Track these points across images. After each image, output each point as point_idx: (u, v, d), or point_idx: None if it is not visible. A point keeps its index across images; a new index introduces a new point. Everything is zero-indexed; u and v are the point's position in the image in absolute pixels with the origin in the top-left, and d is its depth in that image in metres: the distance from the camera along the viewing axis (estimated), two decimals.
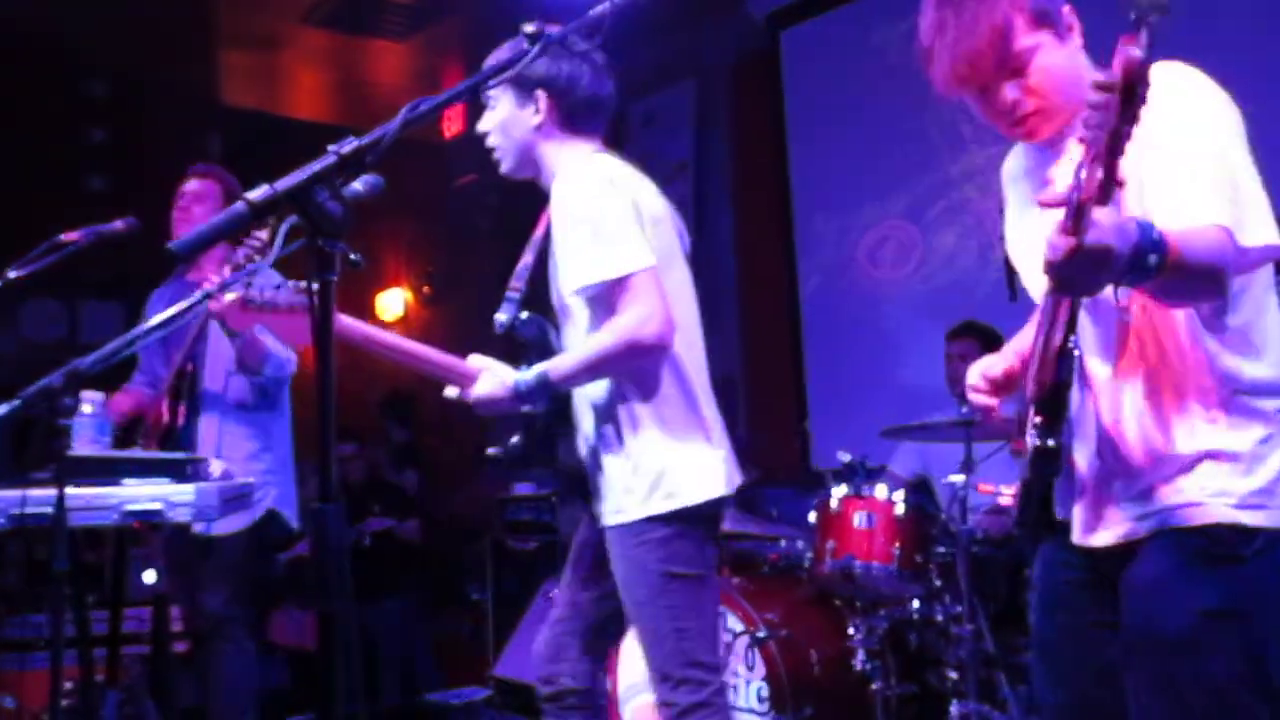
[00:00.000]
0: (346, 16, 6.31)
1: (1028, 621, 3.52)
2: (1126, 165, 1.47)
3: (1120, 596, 1.77)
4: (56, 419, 2.19)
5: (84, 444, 2.63)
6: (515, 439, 2.51)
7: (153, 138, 7.14)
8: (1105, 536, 1.80)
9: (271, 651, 5.28)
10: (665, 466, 2.39)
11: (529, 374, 2.36)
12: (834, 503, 3.65)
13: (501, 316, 2.57)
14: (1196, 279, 1.55)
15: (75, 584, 2.92)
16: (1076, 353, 1.70)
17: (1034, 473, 1.78)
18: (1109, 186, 1.36)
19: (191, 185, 3.81)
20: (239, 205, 1.35)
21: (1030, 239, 1.88)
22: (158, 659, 3.83)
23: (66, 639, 2.46)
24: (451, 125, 7.89)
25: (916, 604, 3.68)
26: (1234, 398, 1.70)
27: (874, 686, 3.52)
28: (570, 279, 2.43)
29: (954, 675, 3.56)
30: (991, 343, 3.74)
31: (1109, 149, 1.35)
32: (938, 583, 3.61)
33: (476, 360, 2.46)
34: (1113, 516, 1.78)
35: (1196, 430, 1.70)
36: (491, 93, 2.49)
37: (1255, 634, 1.66)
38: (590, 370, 2.40)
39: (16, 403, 2.09)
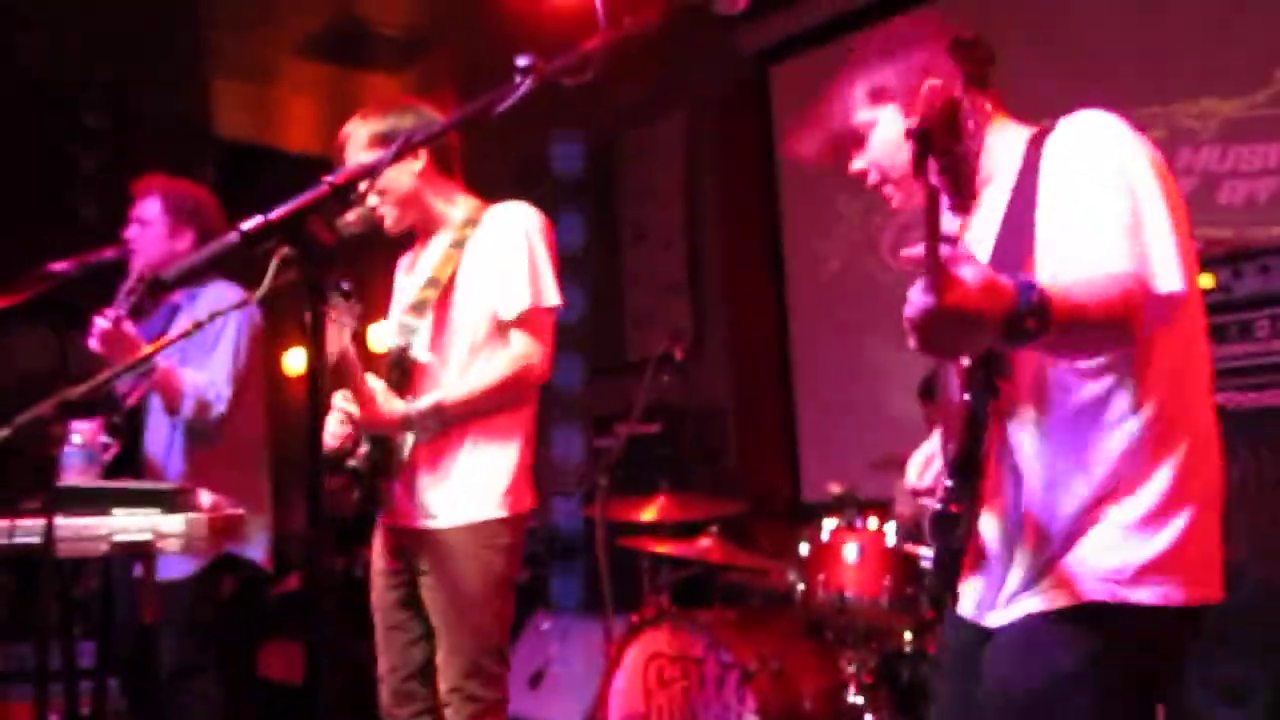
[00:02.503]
0: (340, 49, 6.35)
1: None
2: (1040, 223, 1.56)
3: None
4: (46, 449, 2.18)
5: (73, 474, 2.62)
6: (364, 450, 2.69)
7: (145, 168, 7.15)
8: (998, 618, 1.75)
9: (260, 686, 5.23)
10: (508, 473, 2.68)
11: (423, 403, 2.57)
12: (825, 535, 3.65)
13: (399, 341, 2.70)
14: (1093, 333, 1.49)
15: (62, 615, 2.89)
16: (979, 414, 1.66)
17: (935, 540, 1.76)
18: (933, 239, 1.29)
19: (137, 208, 3.50)
20: (231, 235, 1.35)
21: None
22: (143, 691, 3.79)
23: (52, 670, 2.44)
24: None
25: (909, 636, 3.67)
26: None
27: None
28: (512, 302, 2.64)
29: None
30: None
31: (925, 202, 1.32)
32: (929, 614, 3.60)
33: (371, 381, 2.57)
34: (1013, 599, 1.73)
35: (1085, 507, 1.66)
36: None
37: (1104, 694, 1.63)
38: (486, 399, 2.61)
39: (6, 432, 2.08)
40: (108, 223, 6.80)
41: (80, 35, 6.02)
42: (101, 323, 3.00)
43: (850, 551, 3.57)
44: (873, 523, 3.63)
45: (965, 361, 1.65)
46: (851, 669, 3.55)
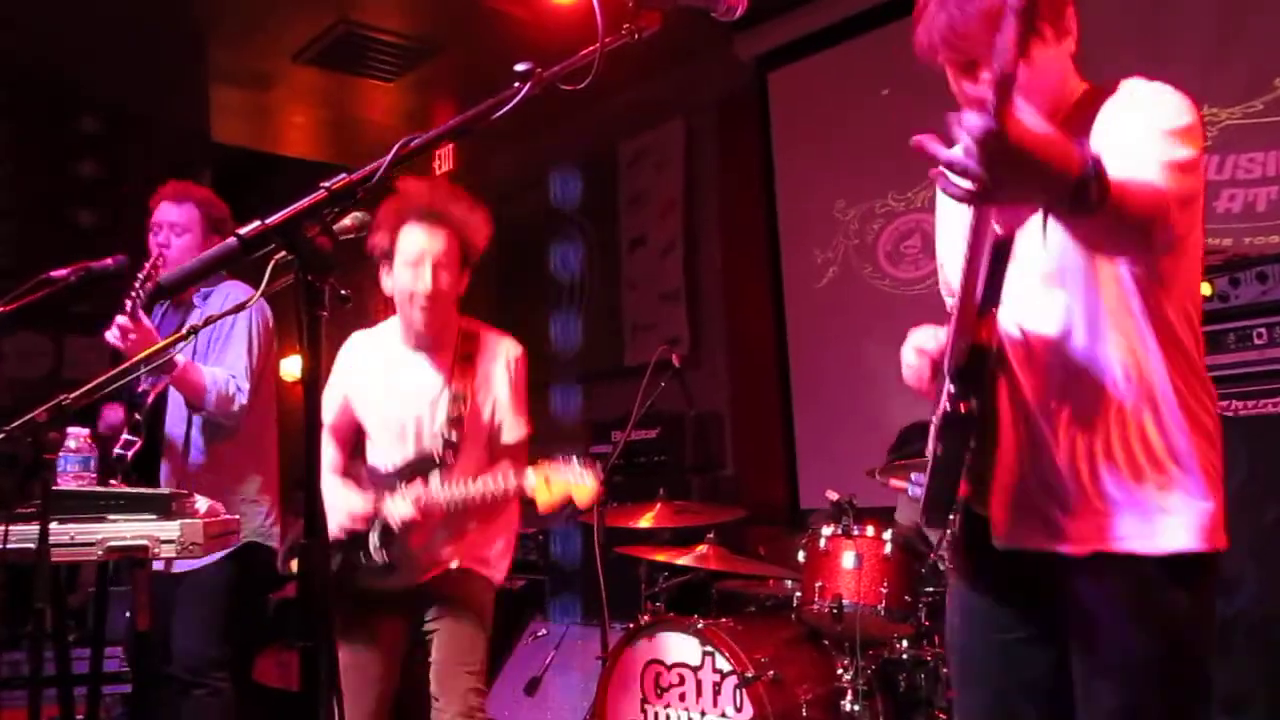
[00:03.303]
0: (337, 55, 6.36)
1: None
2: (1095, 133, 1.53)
3: (1065, 612, 1.74)
4: (41, 454, 2.17)
5: (68, 479, 2.62)
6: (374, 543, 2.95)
7: (143, 173, 7.15)
8: (1034, 540, 1.74)
9: (255, 693, 5.22)
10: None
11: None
12: (822, 542, 3.64)
13: (435, 448, 3.01)
14: (1129, 227, 1.47)
15: (56, 621, 2.88)
16: (997, 315, 1.65)
17: (945, 444, 1.71)
18: (1009, 72, 1.22)
19: (169, 214, 3.54)
20: (230, 240, 1.35)
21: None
22: (139, 699, 3.78)
23: (46, 677, 2.43)
24: (442, 164, 7.94)
25: (905, 644, 3.66)
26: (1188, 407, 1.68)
27: None
28: (513, 431, 3.08)
29: (942, 716, 3.54)
30: None
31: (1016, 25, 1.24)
32: (926, 622, 3.59)
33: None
34: (1053, 524, 1.72)
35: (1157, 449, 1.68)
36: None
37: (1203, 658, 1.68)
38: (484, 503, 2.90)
39: (1, 437, 2.07)
40: (105, 228, 6.85)
41: (78, 42, 6.02)
42: (120, 318, 3.12)
43: (848, 559, 3.57)
44: (870, 530, 3.62)
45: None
46: (848, 676, 3.54)
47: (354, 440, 3.15)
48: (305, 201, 1.41)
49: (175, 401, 3.41)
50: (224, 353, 3.42)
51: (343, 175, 1.45)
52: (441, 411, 3.01)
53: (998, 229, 1.62)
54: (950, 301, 1.87)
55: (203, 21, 6.02)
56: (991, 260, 1.62)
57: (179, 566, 3.25)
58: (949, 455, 1.73)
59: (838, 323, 5.70)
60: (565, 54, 1.70)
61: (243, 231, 1.36)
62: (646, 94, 6.58)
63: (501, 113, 1.62)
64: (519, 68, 1.65)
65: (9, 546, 2.25)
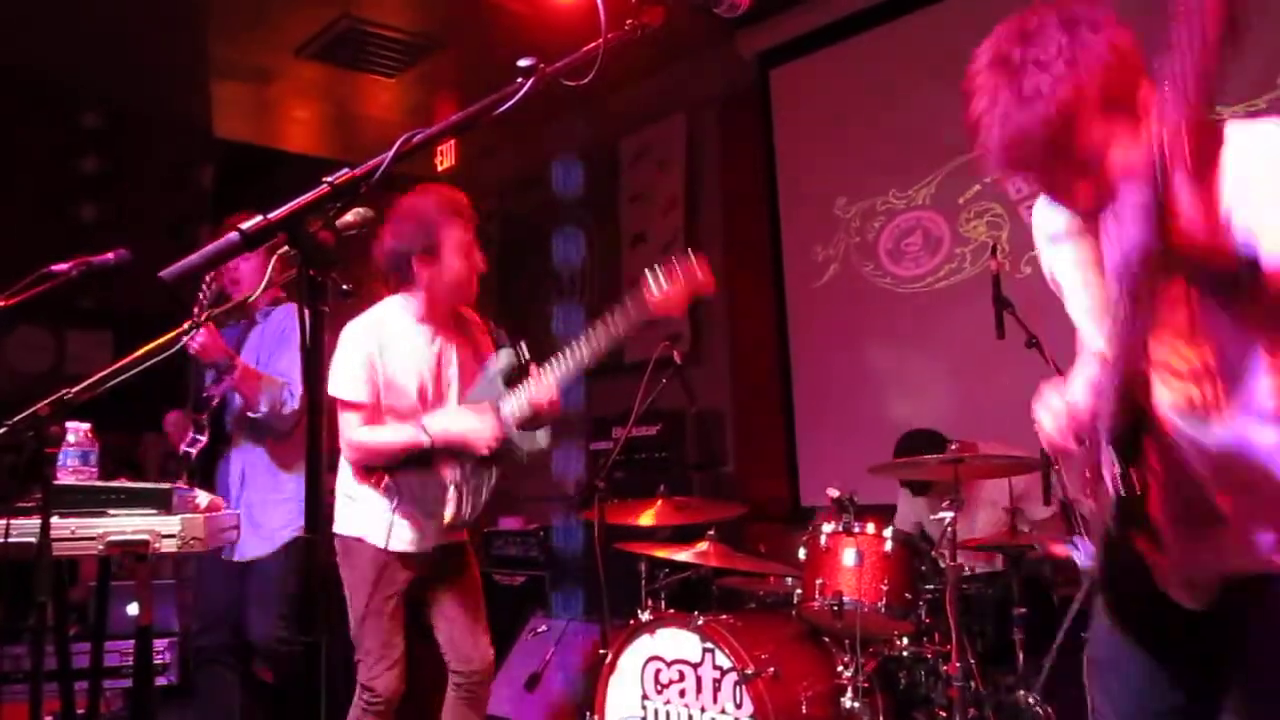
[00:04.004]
0: (339, 51, 6.35)
1: (1015, 659, 3.54)
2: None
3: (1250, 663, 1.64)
4: (43, 448, 2.18)
5: (68, 473, 2.62)
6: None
7: (145, 169, 7.16)
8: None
9: (256, 685, 5.23)
10: None
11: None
12: (823, 539, 3.64)
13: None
14: None
15: (57, 616, 2.88)
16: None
17: (1118, 525, 1.61)
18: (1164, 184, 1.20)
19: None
20: (231, 235, 1.35)
21: (1096, 297, 1.74)
22: (139, 693, 3.78)
23: (47, 671, 2.43)
24: (444, 160, 7.93)
25: (905, 641, 3.66)
26: None
27: None
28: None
29: (943, 714, 3.54)
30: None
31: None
32: (926, 620, 3.59)
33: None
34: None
35: None
36: None
37: None
38: None
39: (2, 430, 2.07)
40: (107, 223, 6.85)
41: (79, 37, 6.02)
42: (200, 332, 3.47)
43: (848, 556, 3.56)
44: (870, 527, 3.62)
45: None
46: (848, 673, 3.54)
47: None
48: (308, 196, 1.41)
49: (232, 406, 3.79)
50: (279, 361, 3.76)
51: (345, 170, 1.45)
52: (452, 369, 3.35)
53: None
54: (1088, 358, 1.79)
55: (204, 16, 6.02)
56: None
57: (242, 555, 3.69)
58: (1122, 534, 1.64)
59: (838, 320, 5.70)
60: (568, 50, 1.69)
61: (245, 226, 1.35)
62: (648, 90, 6.57)
63: (504, 109, 1.62)
64: (522, 63, 1.65)
65: (11, 541, 2.25)
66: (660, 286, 3.21)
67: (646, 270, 3.21)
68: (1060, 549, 3.57)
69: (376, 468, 3.22)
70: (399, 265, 3.24)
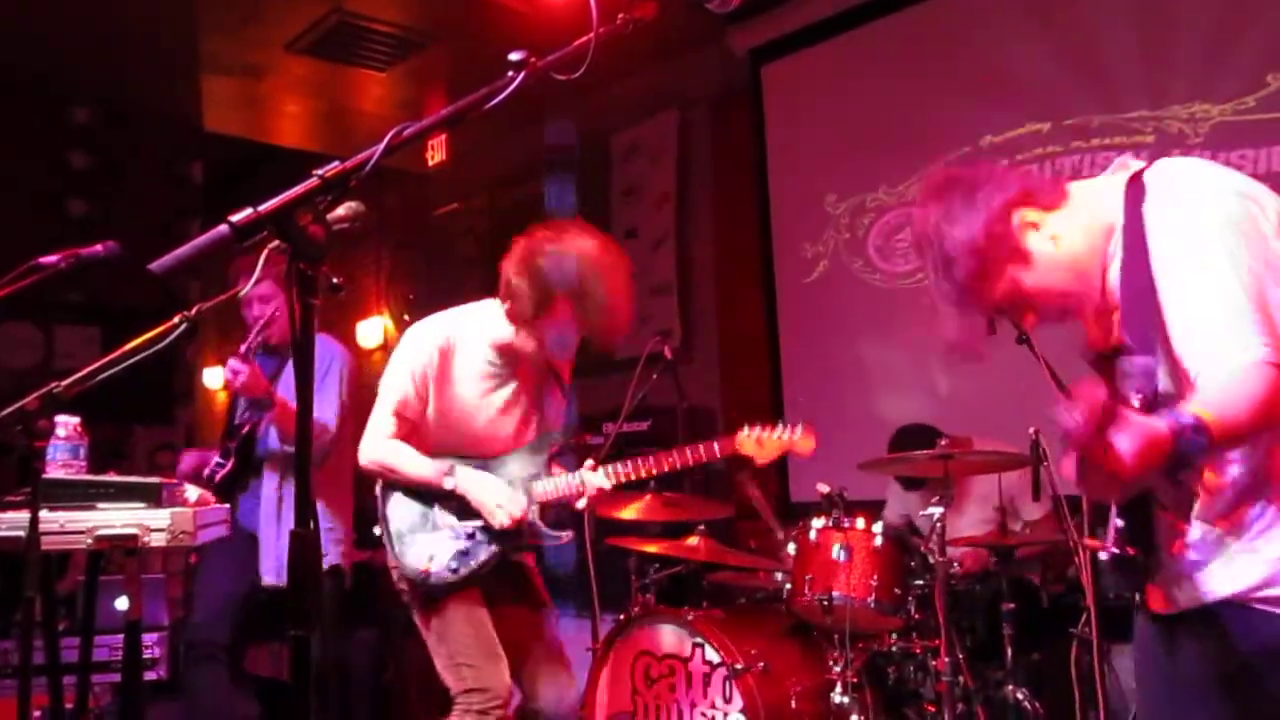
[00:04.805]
0: (331, 45, 6.34)
1: (1004, 654, 3.55)
2: (1161, 288, 1.61)
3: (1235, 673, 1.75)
4: (32, 442, 2.17)
5: (57, 467, 2.61)
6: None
7: (135, 163, 7.14)
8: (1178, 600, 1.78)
9: (246, 683, 5.23)
10: None
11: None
12: (813, 535, 3.65)
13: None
14: (1249, 436, 1.55)
15: (46, 610, 2.88)
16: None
17: (1115, 580, 1.79)
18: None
19: (256, 291, 3.78)
20: (221, 227, 1.34)
21: None
22: (128, 687, 3.78)
23: (36, 666, 2.43)
24: (434, 155, 7.92)
25: (895, 636, 3.67)
26: None
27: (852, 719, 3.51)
28: None
29: (931, 709, 3.55)
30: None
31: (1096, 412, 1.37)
32: (916, 615, 3.60)
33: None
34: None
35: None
36: None
37: None
38: None
39: None
40: (97, 219, 6.83)
41: (70, 33, 5.99)
42: (233, 360, 3.59)
43: (838, 551, 3.57)
44: (860, 523, 3.63)
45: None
46: (838, 668, 3.55)
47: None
48: (298, 189, 1.41)
49: (265, 439, 3.83)
50: (318, 395, 3.68)
51: (335, 164, 1.45)
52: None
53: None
54: None
55: (195, 11, 6.00)
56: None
57: (270, 579, 3.76)
58: (1122, 586, 1.83)
59: (828, 316, 5.71)
60: (559, 44, 1.69)
61: (235, 219, 1.35)
62: (640, 86, 6.57)
63: (495, 102, 1.62)
64: (512, 57, 1.65)
65: (0, 534, 2.25)
66: (755, 432, 3.03)
67: (748, 426, 3.06)
68: (1093, 542, 3.58)
69: (385, 480, 3.11)
70: (515, 292, 2.95)
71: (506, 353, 3.08)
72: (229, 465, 3.83)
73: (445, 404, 3.07)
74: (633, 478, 3.04)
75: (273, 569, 3.76)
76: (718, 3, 1.80)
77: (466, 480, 3.00)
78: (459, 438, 3.09)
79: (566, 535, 3.11)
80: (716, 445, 3.00)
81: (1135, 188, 1.73)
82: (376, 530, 3.18)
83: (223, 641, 3.86)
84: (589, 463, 3.06)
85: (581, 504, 3.03)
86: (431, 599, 3.02)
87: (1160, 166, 1.73)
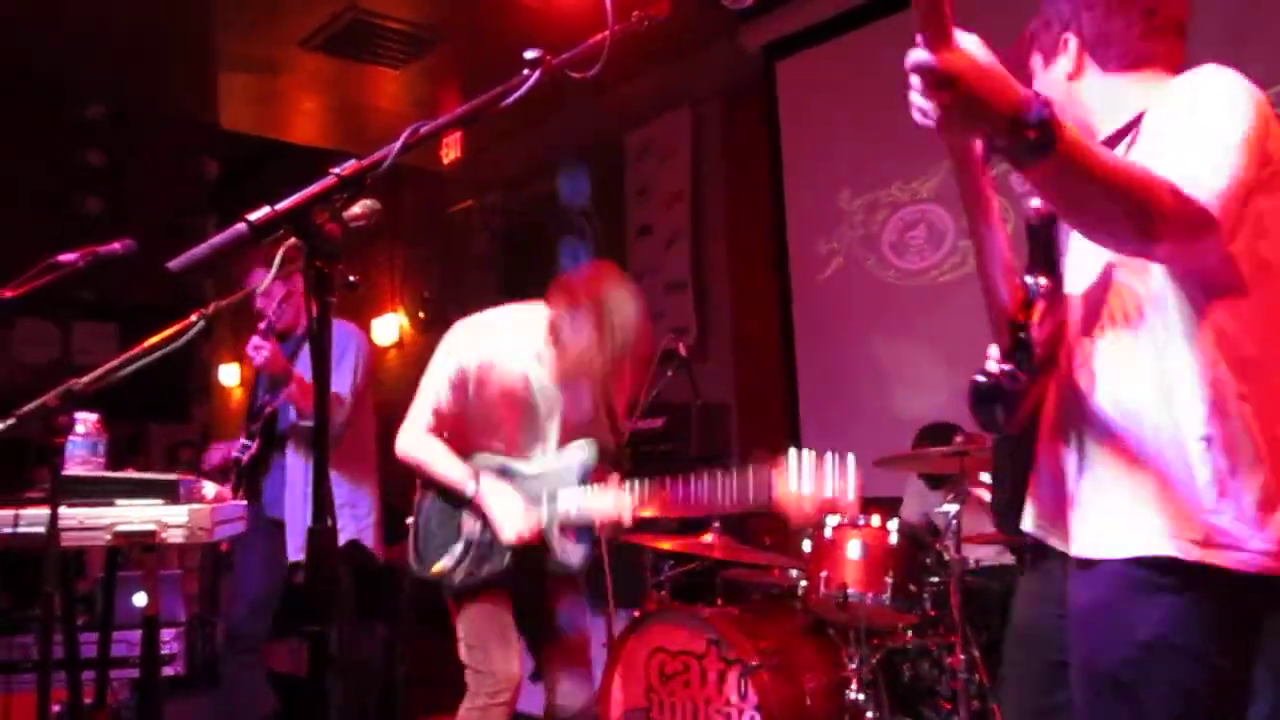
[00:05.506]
0: (346, 42, 6.35)
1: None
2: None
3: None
4: (51, 439, 2.18)
5: (77, 464, 2.63)
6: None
7: (150, 160, 7.17)
8: (1075, 547, 1.67)
9: (267, 678, 5.26)
10: None
11: None
12: (828, 531, 3.65)
13: None
14: (1101, 195, 1.40)
15: (65, 606, 2.90)
16: (1036, 293, 1.61)
17: (974, 410, 1.65)
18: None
19: (267, 294, 3.83)
20: (239, 226, 1.35)
21: None
22: (146, 683, 3.80)
23: (54, 661, 2.44)
24: (449, 152, 7.93)
25: (910, 633, 3.67)
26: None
27: (868, 717, 3.50)
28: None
29: (947, 706, 3.55)
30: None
31: None
32: (931, 612, 3.60)
33: None
34: (1089, 531, 1.65)
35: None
36: None
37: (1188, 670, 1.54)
38: None
39: (11, 421, 2.08)
40: (112, 215, 6.86)
41: (84, 31, 6.02)
42: (259, 341, 3.68)
43: (853, 548, 3.57)
44: (876, 520, 3.62)
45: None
46: (853, 666, 3.55)
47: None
48: (315, 188, 1.41)
49: (285, 416, 3.92)
50: (333, 374, 3.66)
51: (352, 162, 1.46)
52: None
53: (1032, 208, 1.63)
54: None
55: (210, 9, 6.02)
56: (1035, 242, 1.62)
57: (296, 555, 3.76)
58: (984, 422, 1.68)
59: (843, 313, 5.70)
60: (574, 42, 1.70)
61: (252, 217, 1.36)
62: (653, 83, 6.56)
63: (509, 100, 1.62)
64: (528, 55, 1.65)
65: (19, 531, 2.26)
66: (796, 483, 2.82)
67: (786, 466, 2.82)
68: (978, 487, 3.58)
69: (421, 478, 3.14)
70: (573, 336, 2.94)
71: (547, 361, 3.05)
72: (254, 447, 3.94)
73: (484, 405, 3.06)
74: (655, 514, 2.98)
75: (299, 546, 3.79)
76: None
77: (486, 490, 2.99)
78: (495, 438, 3.09)
79: (577, 557, 3.09)
80: (752, 489, 2.84)
81: None
82: (410, 520, 3.20)
83: (263, 634, 3.99)
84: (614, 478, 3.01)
85: (605, 519, 2.97)
86: (456, 595, 3.04)
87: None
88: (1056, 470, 1.71)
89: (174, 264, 1.39)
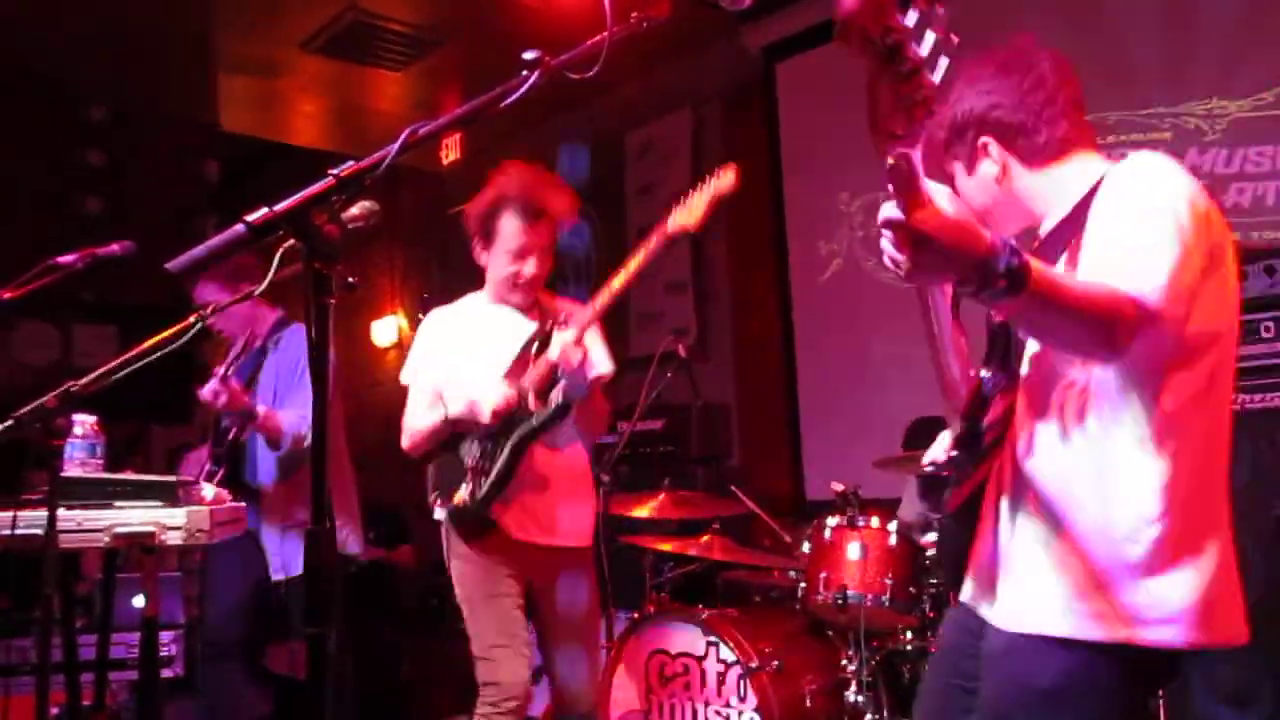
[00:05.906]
0: (346, 44, 6.35)
1: None
2: (1083, 247, 1.58)
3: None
4: (50, 440, 2.18)
5: (76, 466, 2.63)
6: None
7: (150, 161, 7.16)
8: (993, 616, 1.79)
9: (264, 680, 5.25)
10: None
11: None
12: (827, 533, 3.64)
13: None
14: (1069, 321, 1.49)
15: (63, 608, 2.89)
16: (987, 390, 1.72)
17: (922, 499, 1.84)
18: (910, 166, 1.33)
19: (209, 294, 3.69)
20: (237, 227, 1.35)
21: None
22: (145, 685, 3.80)
23: (53, 664, 2.44)
24: (448, 153, 7.93)
25: (910, 635, 3.66)
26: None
27: (867, 718, 3.50)
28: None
29: None
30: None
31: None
32: (931, 614, 3.59)
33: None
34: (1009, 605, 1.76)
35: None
36: None
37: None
38: None
39: (9, 423, 2.08)
40: (112, 217, 6.85)
41: (85, 32, 6.02)
42: (216, 387, 3.50)
43: (852, 550, 3.57)
44: (875, 521, 3.62)
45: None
46: (853, 667, 3.54)
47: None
48: (313, 189, 1.41)
49: (255, 438, 3.81)
50: (296, 394, 3.75)
51: (350, 163, 1.45)
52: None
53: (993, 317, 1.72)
54: None
55: (210, 10, 6.02)
56: (993, 341, 1.71)
57: (287, 572, 3.76)
58: (930, 510, 1.88)
59: (842, 314, 5.70)
60: (573, 43, 1.69)
61: (251, 218, 1.36)
62: (653, 84, 6.56)
63: (509, 101, 1.62)
64: (527, 56, 1.65)
65: (18, 533, 2.26)
66: (678, 209, 3.10)
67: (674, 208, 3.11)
68: (922, 541, 3.59)
69: (428, 452, 3.24)
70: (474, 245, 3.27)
71: (503, 304, 3.28)
72: (220, 473, 3.83)
73: (461, 368, 3.21)
74: (593, 312, 3.03)
75: (279, 566, 3.79)
76: (731, 0, 1.80)
77: (454, 404, 3.13)
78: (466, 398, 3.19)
79: (554, 397, 3.07)
80: (654, 238, 3.04)
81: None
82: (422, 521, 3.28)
83: (237, 639, 3.88)
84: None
85: (576, 359, 2.96)
86: (483, 523, 3.09)
87: (1129, 159, 1.73)
88: (993, 544, 1.79)
89: (173, 265, 1.38)
